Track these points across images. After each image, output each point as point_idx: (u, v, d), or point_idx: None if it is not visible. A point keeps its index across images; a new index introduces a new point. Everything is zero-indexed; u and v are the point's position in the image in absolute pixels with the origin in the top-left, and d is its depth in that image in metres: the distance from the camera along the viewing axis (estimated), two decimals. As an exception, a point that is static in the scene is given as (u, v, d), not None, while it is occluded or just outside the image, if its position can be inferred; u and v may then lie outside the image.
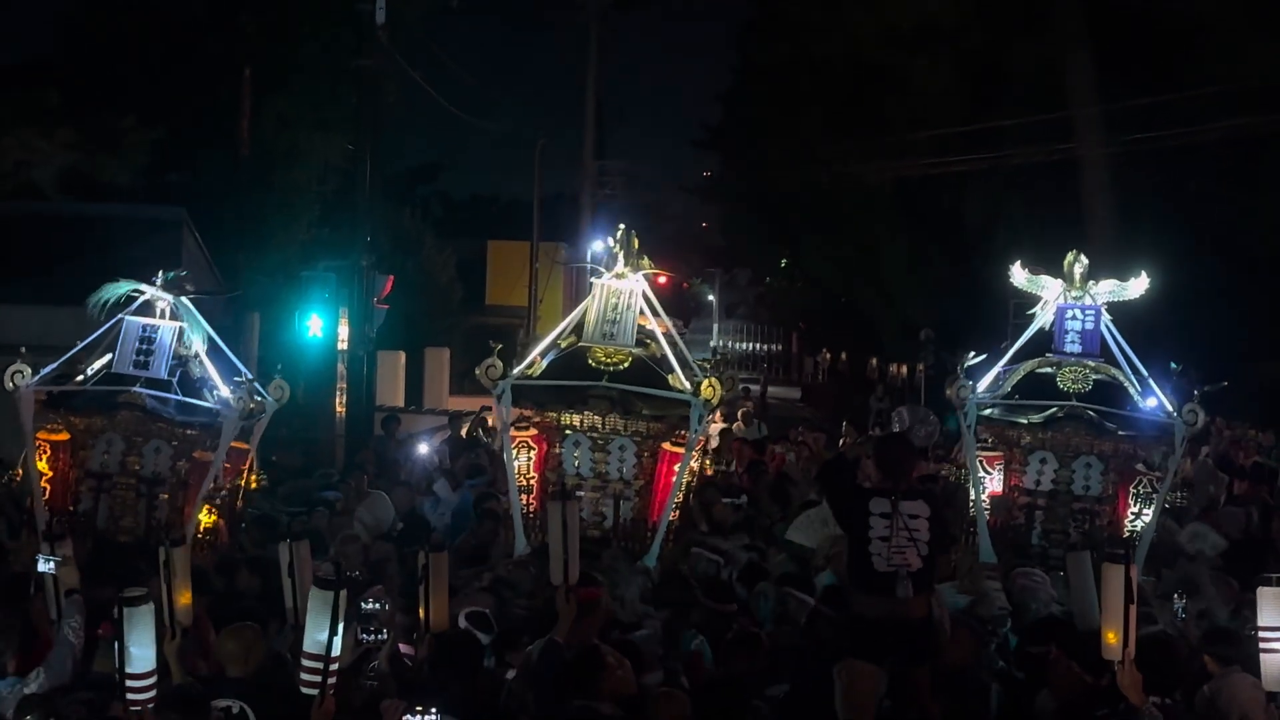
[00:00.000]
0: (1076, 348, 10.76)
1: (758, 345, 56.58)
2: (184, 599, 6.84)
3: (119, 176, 24.75)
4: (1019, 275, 11.13)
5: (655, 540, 10.44)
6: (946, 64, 31.18)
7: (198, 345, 10.53)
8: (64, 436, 10.40)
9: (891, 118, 32.30)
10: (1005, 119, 28.54)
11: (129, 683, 5.45)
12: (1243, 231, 27.24)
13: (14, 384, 10.29)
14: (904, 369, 37.26)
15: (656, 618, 8.55)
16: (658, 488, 10.62)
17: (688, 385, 10.55)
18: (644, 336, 10.89)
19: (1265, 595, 6.44)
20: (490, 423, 17.92)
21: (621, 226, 11.25)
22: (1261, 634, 6.44)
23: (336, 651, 5.84)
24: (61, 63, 26.57)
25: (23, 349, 10.55)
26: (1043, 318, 10.93)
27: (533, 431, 10.77)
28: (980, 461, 10.69)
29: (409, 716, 5.93)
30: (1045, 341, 10.88)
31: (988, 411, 10.73)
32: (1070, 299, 10.79)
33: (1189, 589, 9.23)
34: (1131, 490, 10.61)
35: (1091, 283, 10.84)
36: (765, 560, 10.16)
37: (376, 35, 18.98)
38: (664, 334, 10.93)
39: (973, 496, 10.61)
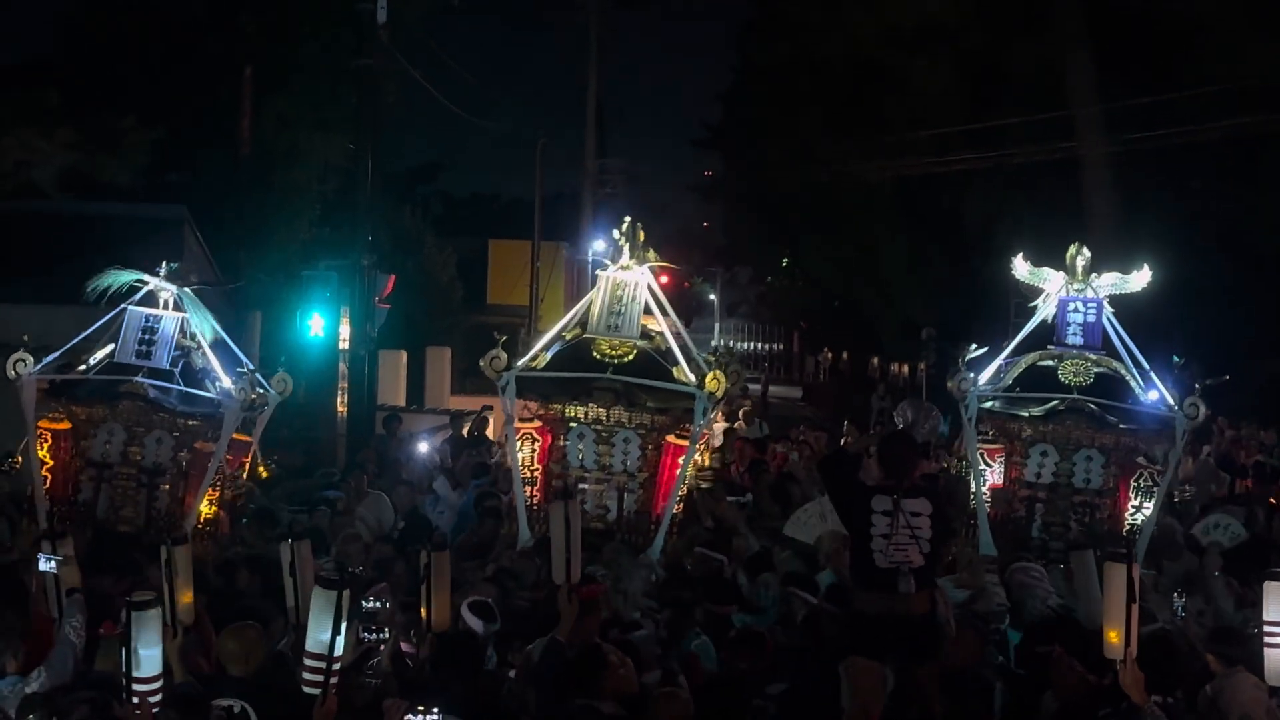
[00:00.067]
0: (1078, 340, 10.77)
1: (759, 344, 56.60)
2: (185, 597, 6.84)
3: (119, 176, 24.73)
4: (1021, 268, 11.14)
5: (659, 533, 10.44)
6: (946, 64, 31.19)
7: (202, 339, 10.54)
8: (65, 426, 10.43)
9: (891, 117, 32.30)
10: (1005, 118, 28.54)
11: (136, 686, 5.44)
12: (1246, 229, 27.23)
13: (16, 372, 10.31)
14: (905, 368, 37.28)
15: (659, 613, 8.55)
16: (661, 480, 10.64)
17: (692, 378, 10.55)
18: (649, 329, 10.91)
19: (1271, 590, 6.45)
20: (490, 423, 17.94)
21: (627, 219, 11.26)
22: (1266, 629, 6.45)
23: (339, 651, 5.82)
24: (61, 63, 26.54)
25: (25, 337, 10.56)
26: (1044, 310, 10.93)
27: (537, 423, 10.77)
28: (981, 454, 10.69)
29: (411, 716, 5.92)
30: (1047, 334, 10.89)
31: (989, 404, 10.74)
32: (1072, 291, 10.82)
33: (1190, 584, 9.22)
34: (1132, 483, 10.62)
35: (1093, 275, 10.85)
36: (771, 556, 10.15)
37: (377, 34, 18.96)
38: (669, 326, 10.94)
39: (973, 489, 10.61)
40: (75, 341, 10.63)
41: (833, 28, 33.20)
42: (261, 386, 10.79)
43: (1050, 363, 10.78)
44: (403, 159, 36.73)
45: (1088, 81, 28.36)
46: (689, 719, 6.46)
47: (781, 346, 57.99)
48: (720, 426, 15.87)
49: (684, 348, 10.86)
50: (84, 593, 7.21)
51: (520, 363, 10.74)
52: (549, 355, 10.88)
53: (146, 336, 10.41)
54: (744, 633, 7.80)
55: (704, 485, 11.70)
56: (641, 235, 11.05)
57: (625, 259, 10.95)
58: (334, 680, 5.81)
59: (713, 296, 58.23)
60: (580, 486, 10.66)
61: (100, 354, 10.51)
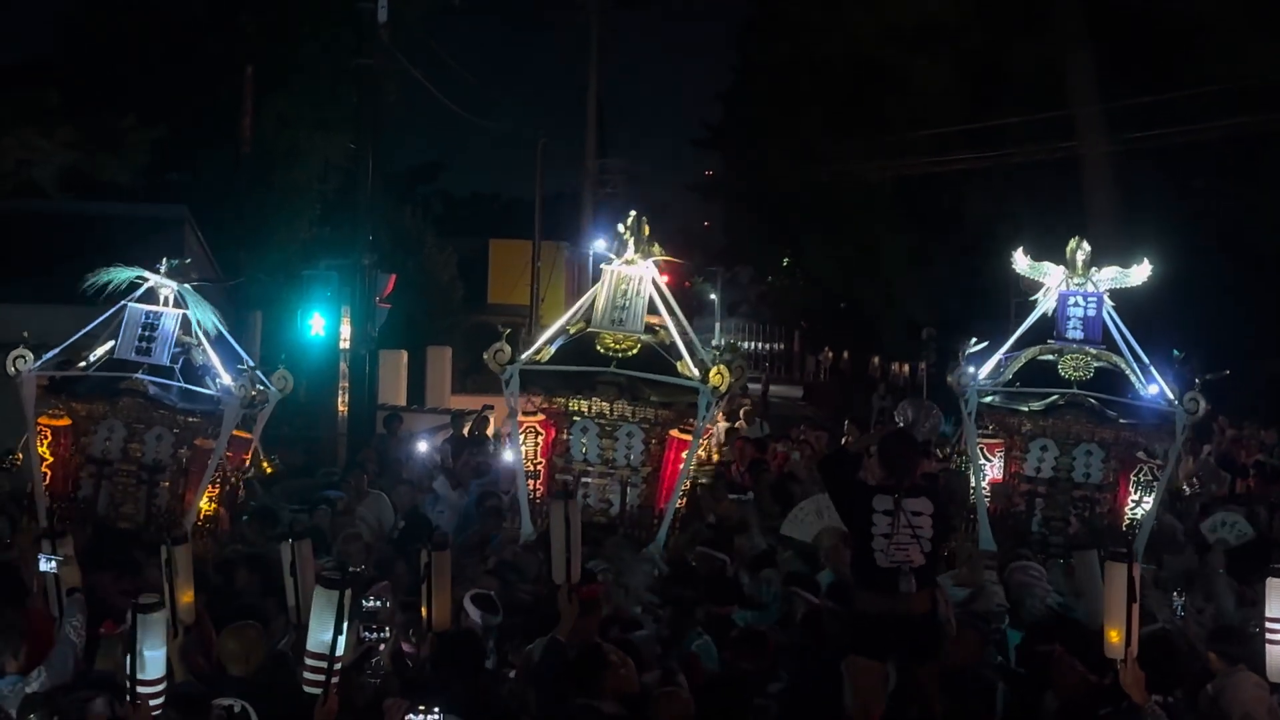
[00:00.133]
0: (1078, 334, 10.78)
1: (759, 344, 56.57)
2: (186, 597, 6.83)
3: (119, 175, 24.75)
4: (1021, 262, 11.15)
5: (661, 528, 10.43)
6: (947, 63, 31.18)
7: (204, 335, 10.53)
8: (65, 422, 10.44)
9: (892, 117, 32.30)
10: (1006, 118, 28.54)
11: (140, 688, 5.45)
12: (1248, 228, 27.23)
13: (15, 369, 10.30)
14: (906, 367, 37.27)
15: (661, 608, 8.54)
16: (665, 475, 10.64)
17: (696, 372, 10.54)
18: (653, 323, 10.91)
19: (1273, 587, 6.45)
20: (491, 422, 17.93)
21: (633, 213, 11.25)
22: (1268, 626, 6.44)
23: (341, 651, 5.82)
24: (61, 62, 26.57)
25: (25, 334, 10.55)
26: (1045, 304, 10.93)
27: (540, 417, 10.77)
28: (981, 449, 10.69)
29: (411, 715, 5.92)
30: (1047, 328, 10.89)
31: (988, 399, 10.74)
32: (1072, 286, 10.81)
33: (1192, 581, 9.21)
34: (1132, 478, 10.62)
35: (1094, 270, 10.84)
36: (775, 556, 10.14)
37: (378, 34, 18.95)
38: (673, 320, 10.93)
39: (973, 484, 10.61)
40: (75, 338, 10.63)
41: (833, 27, 33.20)
42: (262, 383, 10.79)
43: (1050, 357, 10.79)
44: (403, 159, 36.82)
45: (1088, 81, 28.36)
46: (690, 719, 6.45)
47: (782, 346, 57.94)
48: (722, 426, 15.86)
49: (688, 342, 10.87)
50: (84, 591, 7.21)
51: (524, 356, 10.75)
52: (553, 349, 10.88)
53: (146, 333, 10.41)
54: (746, 632, 7.79)
55: (703, 481, 11.68)
56: (646, 230, 11.04)
57: (630, 253, 10.94)
58: (335, 680, 5.81)
59: (713, 296, 58.19)
60: (583, 480, 10.68)
61: (100, 350, 10.51)
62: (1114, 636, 5.96)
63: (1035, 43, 28.71)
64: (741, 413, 20.22)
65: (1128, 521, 10.59)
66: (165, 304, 10.49)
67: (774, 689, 7.29)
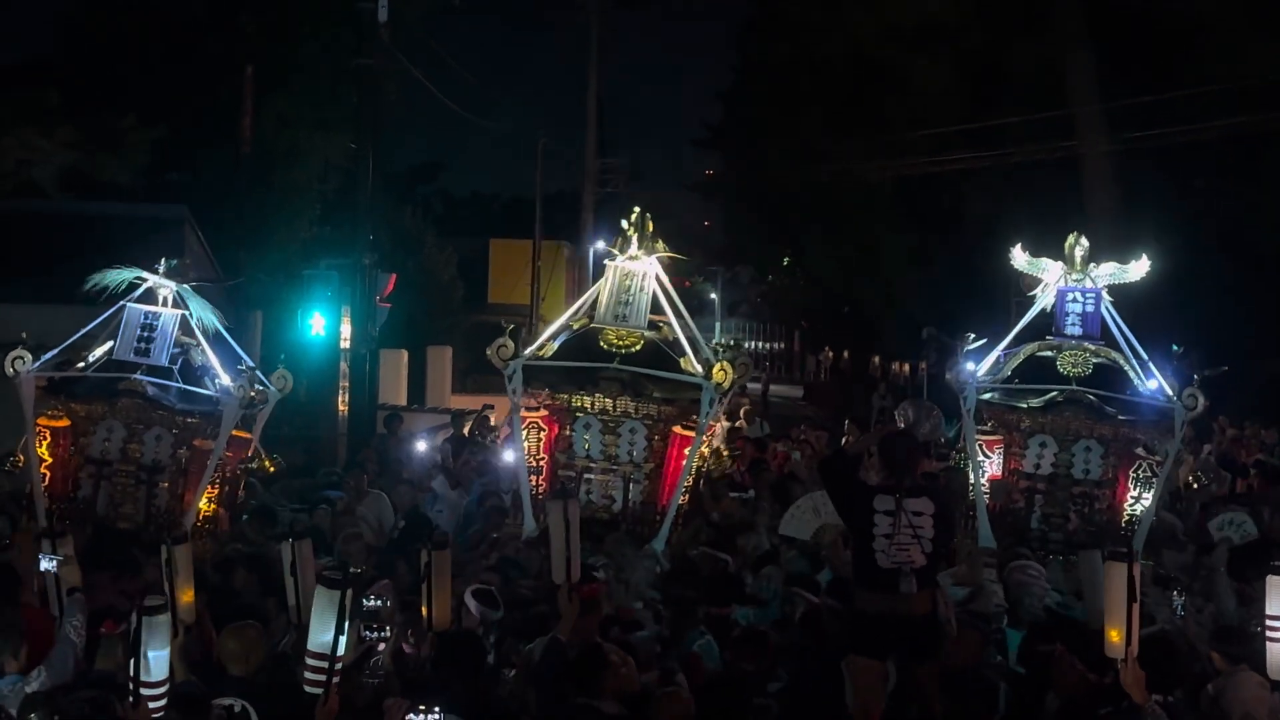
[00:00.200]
0: (1077, 330, 10.78)
1: (759, 343, 56.59)
2: (186, 596, 6.83)
3: (120, 175, 24.75)
4: (1019, 258, 11.15)
5: (664, 524, 10.43)
6: (947, 63, 31.18)
7: (202, 335, 10.52)
8: (65, 423, 10.43)
9: (892, 116, 32.31)
10: (1005, 118, 28.54)
11: (143, 690, 5.45)
12: (1248, 227, 27.22)
13: (14, 370, 10.29)
14: (906, 367, 37.26)
15: (661, 605, 8.54)
16: (668, 471, 10.64)
17: (699, 369, 10.54)
18: (656, 319, 10.91)
19: (1273, 585, 6.44)
20: (491, 422, 17.92)
21: (636, 209, 11.24)
22: (1268, 624, 6.43)
23: (342, 650, 5.82)
24: (61, 62, 26.56)
25: (24, 334, 10.55)
26: (1043, 300, 10.94)
27: (543, 413, 10.77)
28: (980, 445, 10.68)
29: (412, 715, 5.91)
30: (1046, 325, 10.89)
31: (987, 395, 10.74)
32: (1071, 282, 10.81)
33: (1192, 579, 9.19)
34: (1131, 474, 10.61)
35: (1092, 265, 10.84)
36: (779, 555, 10.14)
37: (378, 34, 18.95)
38: (676, 316, 10.93)
39: (972, 480, 10.60)
40: (74, 339, 10.62)
41: (833, 27, 33.21)
42: (261, 383, 10.78)
43: (1049, 353, 10.80)
44: (403, 159, 36.83)
45: (1088, 81, 28.36)
46: (690, 718, 6.45)
47: (782, 345, 58.01)
48: (724, 425, 15.85)
49: (691, 339, 10.87)
50: (84, 592, 7.21)
51: (527, 352, 10.75)
52: (556, 345, 10.88)
53: (145, 334, 10.40)
54: (747, 632, 7.78)
55: (716, 474, 11.67)
56: (650, 226, 11.04)
57: (634, 249, 10.94)
58: (336, 680, 5.80)
59: (713, 296, 58.22)
60: (586, 477, 10.68)
61: (99, 351, 10.50)
62: (1114, 636, 5.96)
63: (1035, 43, 28.71)
64: (742, 412, 20.22)
65: (1127, 518, 10.59)
66: (164, 304, 10.48)
67: (774, 688, 7.29)
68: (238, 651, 6.73)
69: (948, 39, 30.87)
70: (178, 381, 10.41)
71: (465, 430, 18.35)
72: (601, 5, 37.38)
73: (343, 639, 5.79)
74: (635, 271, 10.91)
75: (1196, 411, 10.50)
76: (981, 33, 30.00)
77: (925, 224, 34.68)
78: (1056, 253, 11.06)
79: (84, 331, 10.62)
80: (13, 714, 6.03)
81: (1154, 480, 10.56)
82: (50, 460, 10.35)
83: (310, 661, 5.81)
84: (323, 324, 19.22)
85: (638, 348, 10.75)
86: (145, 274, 10.46)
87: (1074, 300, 10.81)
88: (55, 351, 10.51)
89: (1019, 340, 10.94)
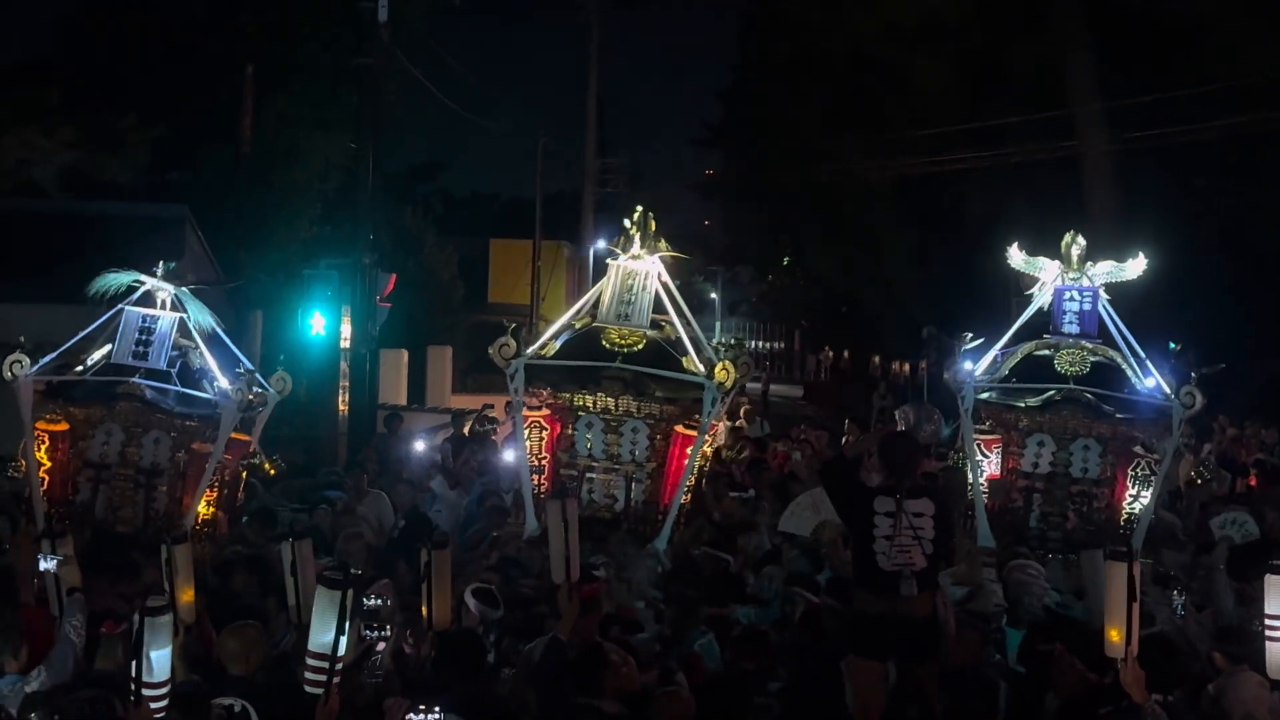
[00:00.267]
0: (1074, 328, 10.78)
1: (760, 343, 56.61)
2: (187, 596, 6.83)
3: (120, 175, 24.75)
4: (1016, 257, 11.15)
5: (666, 523, 10.42)
6: (947, 62, 31.18)
7: (199, 337, 10.51)
8: (63, 427, 10.40)
9: (892, 116, 32.32)
10: (1006, 117, 28.54)
11: (145, 690, 5.45)
12: (1249, 226, 27.22)
13: (12, 374, 10.28)
14: (906, 366, 37.25)
15: (663, 604, 8.53)
16: (670, 470, 10.64)
17: (702, 368, 10.54)
18: (659, 319, 10.90)
19: (1272, 584, 6.43)
20: (493, 413, 17.91)
21: (639, 208, 11.24)
22: (1268, 623, 6.43)
23: (343, 651, 5.82)
24: (62, 62, 26.56)
25: (21, 338, 10.53)
26: (1040, 299, 10.94)
27: (545, 412, 10.76)
28: (978, 445, 10.68)
29: (412, 715, 5.91)
30: (1043, 323, 10.89)
31: (985, 395, 10.73)
32: (1068, 280, 10.81)
33: (1192, 578, 9.19)
34: (1130, 473, 10.60)
35: (1089, 264, 10.84)
36: (780, 555, 10.14)
37: (378, 34, 18.95)
38: (678, 315, 10.94)
39: (970, 480, 10.59)
40: (72, 342, 10.59)
41: (833, 26, 33.22)
42: (260, 386, 10.76)
43: (1046, 352, 10.79)
44: (403, 158, 36.83)
45: (1088, 80, 28.37)
46: (690, 718, 6.45)
47: (782, 345, 58.03)
48: (724, 425, 15.86)
49: (693, 338, 10.87)
50: (83, 594, 7.21)
51: (529, 350, 10.75)
52: (558, 344, 10.88)
53: (143, 337, 10.38)
54: (748, 631, 7.78)
55: (727, 452, 11.58)
56: (653, 225, 11.04)
57: (636, 248, 10.94)
58: (337, 680, 5.81)
59: (714, 295, 58.23)
60: (588, 476, 10.68)
61: (97, 355, 10.48)
62: (1114, 635, 5.95)
63: (1035, 42, 28.72)
64: (742, 411, 20.22)
65: (1125, 516, 10.59)
66: (163, 307, 10.46)
67: (774, 688, 7.29)
68: (238, 651, 6.73)
69: (948, 38, 30.88)
70: (176, 385, 10.39)
71: (465, 430, 18.35)
72: (601, 5, 37.40)
73: (343, 639, 5.79)
74: (638, 271, 10.91)
75: (1194, 410, 10.50)
76: (981, 32, 30.01)
77: (925, 223, 34.69)
78: (1057, 252, 11.05)
79: (82, 335, 10.60)
80: (13, 714, 6.03)
81: (1152, 479, 10.55)
82: (49, 464, 10.33)
83: (311, 662, 5.81)
84: (323, 324, 19.22)
85: (640, 347, 10.75)
86: (143, 277, 10.44)
87: (1071, 299, 10.82)
88: (53, 355, 10.48)
89: (1016, 339, 10.94)
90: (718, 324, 54.88)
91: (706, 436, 10.78)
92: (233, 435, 10.50)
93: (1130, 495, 10.62)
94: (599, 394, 10.69)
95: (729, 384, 10.62)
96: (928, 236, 34.89)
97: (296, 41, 25.99)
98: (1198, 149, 26.03)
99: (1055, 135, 27.99)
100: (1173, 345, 10.88)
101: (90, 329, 10.53)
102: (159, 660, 5.48)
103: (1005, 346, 10.88)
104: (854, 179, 34.29)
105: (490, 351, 10.84)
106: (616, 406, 10.71)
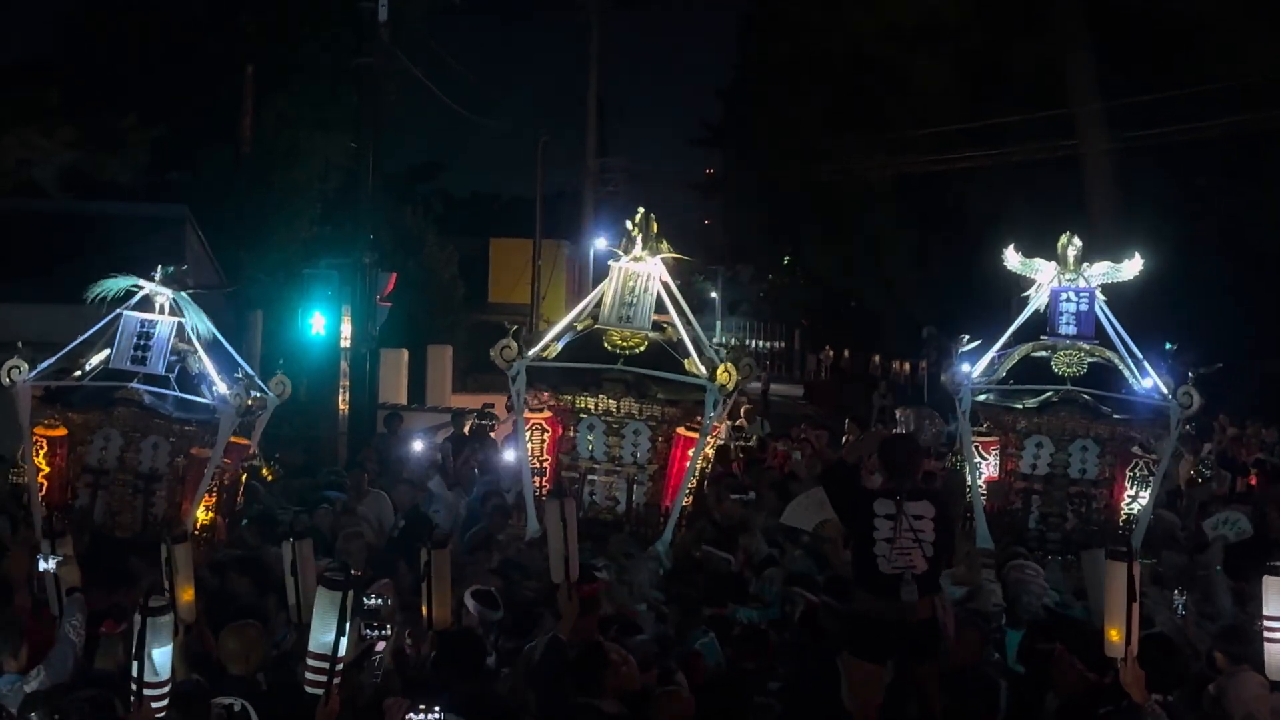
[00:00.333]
0: (1071, 330, 10.78)
1: (760, 342, 56.62)
2: (186, 595, 6.83)
3: (120, 175, 24.72)
4: (1012, 258, 11.15)
5: (668, 526, 10.42)
6: (947, 62, 31.19)
7: (197, 341, 10.49)
8: (61, 432, 10.38)
9: (892, 115, 32.32)
10: (1006, 116, 28.54)
11: (146, 690, 5.46)
12: (1249, 226, 27.22)
13: (11, 379, 10.26)
14: (906, 366, 37.29)
15: (665, 605, 8.53)
16: (671, 472, 10.63)
17: (703, 370, 10.53)
18: (661, 320, 10.90)
19: (1271, 585, 6.44)
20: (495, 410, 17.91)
21: (641, 210, 11.24)
22: (1266, 624, 6.43)
23: (344, 651, 5.82)
24: (61, 62, 26.53)
25: (19, 344, 10.52)
26: (1036, 300, 10.94)
27: (547, 414, 10.76)
28: (976, 447, 10.68)
29: (412, 715, 5.92)
30: (1040, 325, 10.89)
31: (982, 396, 10.73)
32: (1064, 281, 10.81)
33: (1190, 579, 9.19)
34: (1128, 473, 10.60)
35: (1085, 265, 10.84)
36: (783, 555, 10.14)
37: (378, 33, 18.95)
38: (680, 317, 10.94)
39: (969, 482, 10.60)
40: (70, 347, 10.56)
41: (833, 26, 33.23)
42: (259, 390, 10.74)
43: (1044, 354, 10.79)
44: (403, 158, 36.78)
45: (1088, 79, 28.37)
46: (690, 718, 6.45)
47: (783, 344, 58.04)
48: (727, 426, 15.87)
49: (695, 340, 10.87)
50: (83, 592, 7.21)
51: (531, 352, 10.75)
52: (560, 346, 10.87)
53: (142, 342, 10.35)
54: (749, 631, 7.78)
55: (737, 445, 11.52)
56: (655, 227, 11.04)
57: (638, 250, 10.94)
58: (337, 681, 5.81)
59: (714, 294, 58.24)
60: (590, 478, 10.68)
61: (95, 360, 10.45)
62: (1114, 635, 5.96)
63: (1035, 42, 28.73)
64: (743, 411, 20.22)
65: (1124, 517, 10.59)
66: (161, 312, 10.45)
67: (774, 687, 7.30)
68: (238, 651, 6.73)
69: (948, 38, 30.89)
70: (174, 390, 10.38)
71: (465, 429, 18.35)
72: (601, 5, 37.39)
73: (344, 640, 5.80)
74: (640, 272, 10.91)
75: (1192, 409, 10.50)
76: (981, 32, 30.02)
77: (926, 223, 34.69)
78: (1055, 252, 11.05)
79: (80, 340, 10.57)
80: (13, 713, 6.04)
81: (1151, 479, 10.55)
82: (47, 469, 10.30)
83: (311, 662, 5.82)
84: (323, 323, 19.21)
85: (642, 349, 10.74)
86: (142, 281, 10.41)
87: (1068, 300, 10.81)
88: (51, 360, 10.46)
89: (1013, 341, 10.94)
90: (718, 323, 54.90)
91: (708, 438, 10.78)
92: (232, 439, 10.46)
93: (1129, 495, 10.62)
94: (600, 396, 10.69)
95: (731, 386, 10.61)
96: (928, 236, 34.90)
97: (296, 41, 25.97)
98: (1198, 148, 26.01)
99: (1055, 135, 27.99)
100: (1169, 345, 10.88)
101: (88, 334, 10.51)
102: (160, 659, 5.48)
103: (1002, 348, 10.88)
104: (854, 179, 34.30)
105: (492, 354, 10.84)
106: (618, 408, 10.70)
